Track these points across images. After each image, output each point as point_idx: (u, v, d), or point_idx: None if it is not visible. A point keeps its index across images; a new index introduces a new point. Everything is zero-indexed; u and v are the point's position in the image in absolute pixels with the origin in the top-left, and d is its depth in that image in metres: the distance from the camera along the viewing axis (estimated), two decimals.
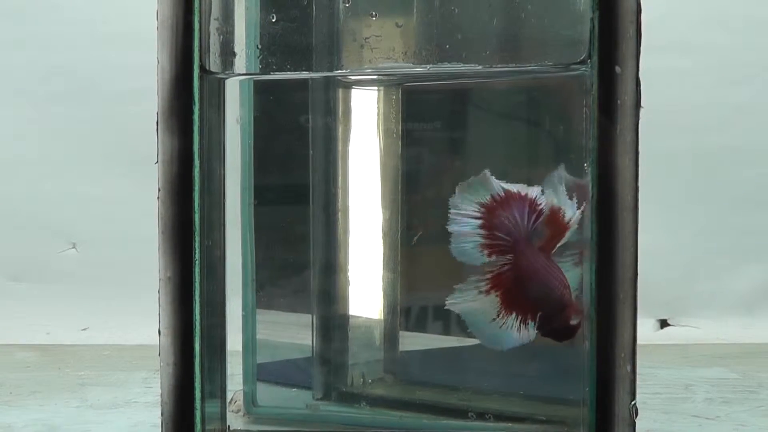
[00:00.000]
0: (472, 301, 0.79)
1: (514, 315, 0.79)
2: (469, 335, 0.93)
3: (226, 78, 0.82)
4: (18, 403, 1.05)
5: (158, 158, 0.77)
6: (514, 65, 0.81)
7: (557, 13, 0.79)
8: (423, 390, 0.92)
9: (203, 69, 0.77)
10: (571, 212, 0.78)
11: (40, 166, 1.46)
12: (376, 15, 0.82)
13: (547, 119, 0.88)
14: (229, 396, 0.86)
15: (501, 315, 0.79)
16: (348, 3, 0.85)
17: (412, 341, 0.94)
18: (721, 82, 1.42)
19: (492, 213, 0.78)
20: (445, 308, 0.81)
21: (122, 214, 1.43)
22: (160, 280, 0.77)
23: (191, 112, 0.76)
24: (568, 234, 0.78)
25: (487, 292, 0.79)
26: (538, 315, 0.78)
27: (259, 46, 0.83)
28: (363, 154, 0.92)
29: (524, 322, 0.78)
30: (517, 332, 0.79)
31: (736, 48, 1.41)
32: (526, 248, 0.78)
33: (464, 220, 0.79)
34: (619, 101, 0.71)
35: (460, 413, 0.88)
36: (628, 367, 0.72)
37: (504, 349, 0.80)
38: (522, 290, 0.78)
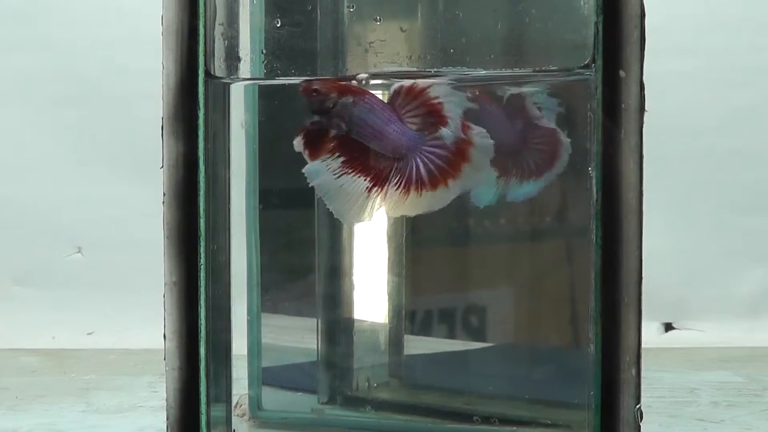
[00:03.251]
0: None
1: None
2: (476, 338, 0.94)
3: (231, 83, 0.82)
4: (23, 407, 1.05)
5: (163, 163, 0.77)
6: (518, 69, 0.81)
7: (561, 17, 0.79)
8: (428, 394, 0.92)
9: (208, 74, 0.77)
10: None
11: (45, 170, 1.46)
12: (380, 19, 0.83)
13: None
14: (234, 400, 0.86)
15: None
16: (352, 8, 0.85)
17: (417, 345, 0.94)
18: (724, 85, 1.42)
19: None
20: None
21: (127, 218, 1.43)
22: (165, 284, 0.77)
23: (196, 117, 0.76)
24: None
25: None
26: None
27: (264, 51, 0.83)
28: None
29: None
30: None
31: (739, 51, 1.41)
32: None
33: None
34: (623, 105, 0.71)
35: (465, 417, 0.88)
36: (633, 371, 0.72)
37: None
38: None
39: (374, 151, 0.77)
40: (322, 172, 0.77)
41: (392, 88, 0.77)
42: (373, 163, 0.77)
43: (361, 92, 0.77)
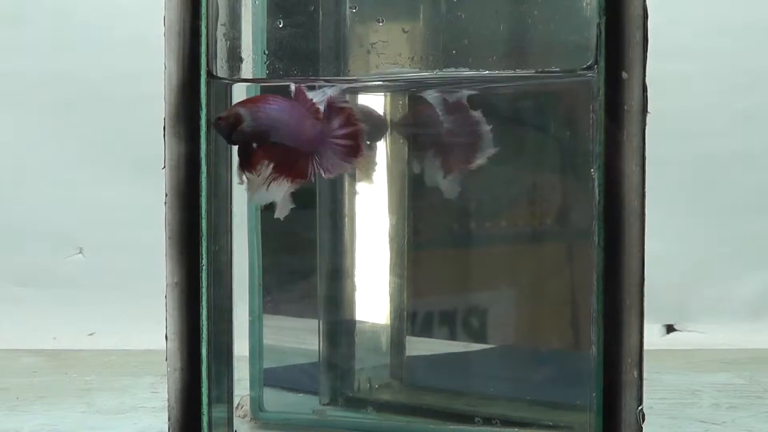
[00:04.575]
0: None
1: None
2: (477, 340, 0.93)
3: (233, 83, 0.82)
4: (24, 408, 1.05)
5: (165, 163, 0.77)
6: (520, 71, 0.81)
7: (564, 18, 0.79)
8: (429, 395, 0.92)
9: (210, 74, 0.77)
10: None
11: (47, 172, 1.47)
12: (382, 20, 0.83)
13: (553, 125, 0.88)
14: (235, 401, 0.86)
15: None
16: (355, 9, 0.85)
17: (418, 346, 0.94)
18: (728, 88, 1.42)
19: None
20: None
21: (129, 219, 1.43)
22: (167, 285, 0.77)
23: (198, 118, 0.77)
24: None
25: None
26: None
27: (266, 52, 0.83)
28: None
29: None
30: None
31: (743, 54, 1.41)
32: None
33: None
34: (625, 107, 0.71)
35: (466, 418, 0.88)
36: (635, 373, 0.72)
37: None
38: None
39: (295, 149, 0.78)
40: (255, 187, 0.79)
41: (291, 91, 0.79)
42: (294, 162, 0.78)
43: (262, 98, 0.78)
